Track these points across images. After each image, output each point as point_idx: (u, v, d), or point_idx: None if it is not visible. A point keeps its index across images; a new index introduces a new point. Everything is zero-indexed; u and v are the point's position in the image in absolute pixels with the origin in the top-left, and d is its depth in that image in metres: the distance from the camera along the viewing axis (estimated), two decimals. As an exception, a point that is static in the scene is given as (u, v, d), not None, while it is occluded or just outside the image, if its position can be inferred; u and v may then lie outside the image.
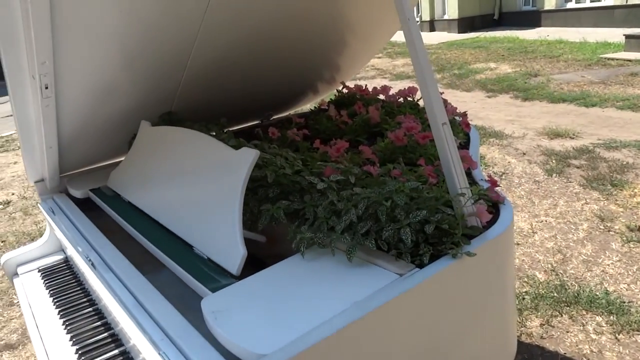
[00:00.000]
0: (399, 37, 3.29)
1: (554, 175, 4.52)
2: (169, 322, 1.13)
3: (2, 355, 2.70)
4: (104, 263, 1.48)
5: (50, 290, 1.85)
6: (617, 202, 3.89)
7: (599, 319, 2.67)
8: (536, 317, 2.73)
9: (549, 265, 3.19)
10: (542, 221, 3.77)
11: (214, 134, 2.04)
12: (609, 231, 3.52)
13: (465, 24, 15.74)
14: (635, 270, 3.05)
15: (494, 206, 1.31)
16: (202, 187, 1.44)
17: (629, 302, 2.77)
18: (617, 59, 8.64)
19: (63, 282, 1.90)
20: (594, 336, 2.55)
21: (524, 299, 2.86)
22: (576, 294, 2.87)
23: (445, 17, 16.96)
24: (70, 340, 1.51)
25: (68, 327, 1.58)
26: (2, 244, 4.16)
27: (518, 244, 3.49)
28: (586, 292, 2.89)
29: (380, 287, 1.03)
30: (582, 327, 2.62)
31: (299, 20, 2.12)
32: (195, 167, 1.52)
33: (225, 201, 1.30)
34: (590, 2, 13.08)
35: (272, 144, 1.94)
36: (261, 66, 2.31)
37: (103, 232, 1.71)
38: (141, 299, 1.23)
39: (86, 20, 1.40)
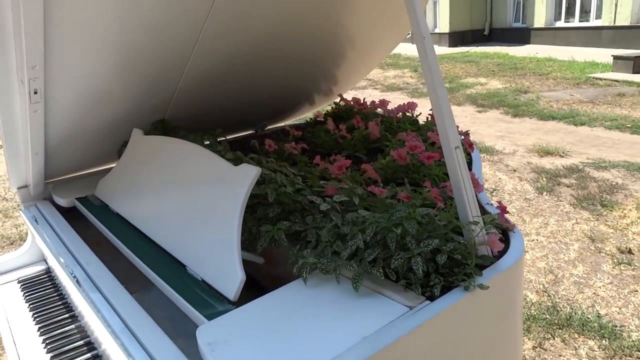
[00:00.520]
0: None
1: (545, 193, 4.52)
2: (159, 349, 1.05)
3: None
4: (89, 279, 1.40)
5: (30, 304, 1.75)
6: (607, 222, 3.89)
7: (591, 342, 2.64)
8: (528, 339, 2.69)
9: (541, 286, 3.17)
10: (533, 240, 3.75)
11: (208, 142, 1.97)
12: (599, 252, 3.52)
13: (456, 38, 15.90)
14: (626, 293, 3.03)
15: (503, 233, 1.26)
16: (198, 203, 1.36)
17: (621, 326, 2.74)
18: (605, 79, 8.77)
19: (44, 296, 1.80)
20: (587, 361, 2.52)
21: (516, 320, 2.83)
22: (568, 317, 2.84)
23: (437, 30, 17.11)
24: (51, 361, 1.42)
25: (48, 347, 1.48)
26: (-21, 247, 4.01)
27: (510, 263, 3.45)
28: (578, 314, 2.86)
29: (389, 321, 0.96)
30: (574, 351, 2.59)
31: (299, 32, 2.07)
32: (191, 181, 1.44)
33: (224, 220, 1.23)
34: (579, 21, 13.30)
35: (269, 157, 1.87)
36: (258, 76, 2.25)
37: (89, 245, 1.62)
38: (129, 323, 1.15)
39: (81, 23, 1.33)
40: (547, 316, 2.86)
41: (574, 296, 3.07)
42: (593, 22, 12.79)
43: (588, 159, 5.27)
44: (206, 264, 1.23)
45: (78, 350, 1.46)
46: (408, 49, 15.64)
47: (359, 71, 2.82)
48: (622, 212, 4.02)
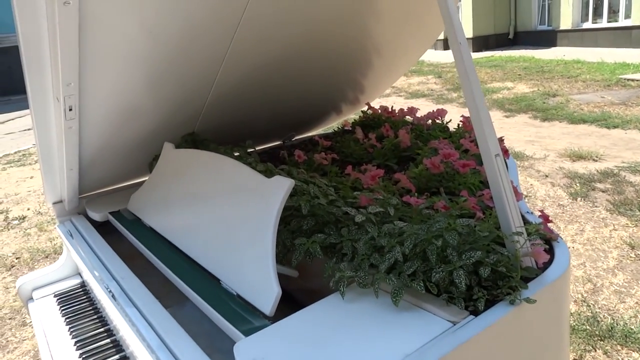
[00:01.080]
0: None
1: (579, 199, 4.38)
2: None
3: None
4: (124, 294, 1.40)
5: (66, 318, 1.77)
6: (647, 228, 3.74)
7: (635, 355, 2.53)
8: (569, 351, 2.59)
9: (579, 296, 3.06)
10: (569, 248, 3.63)
11: (238, 154, 1.98)
12: (640, 260, 3.38)
13: (480, 42, 15.71)
14: (671, 302, 2.90)
15: (547, 243, 1.21)
16: (231, 217, 1.36)
17: (667, 337, 2.62)
18: (637, 80, 8.51)
19: (79, 310, 1.82)
20: (632, 375, 2.41)
21: (555, 331, 2.73)
22: (610, 328, 2.73)
23: (460, 36, 16.90)
24: (88, 376, 1.43)
25: (85, 362, 1.49)
26: (16, 261, 4.11)
27: (545, 272, 3.35)
28: (620, 325, 2.74)
29: (432, 337, 0.93)
30: (618, 364, 2.48)
31: (325, 42, 2.06)
32: (223, 194, 1.44)
33: (258, 233, 1.22)
34: (607, 22, 12.99)
35: (299, 168, 1.86)
36: (286, 87, 2.25)
37: (123, 259, 1.63)
38: (166, 339, 1.15)
39: (114, 42, 1.34)
40: (587, 327, 2.76)
41: (615, 306, 2.95)
42: (622, 22, 12.47)
43: (623, 162, 5.10)
44: (241, 278, 1.22)
45: (114, 365, 1.47)
46: (432, 56, 15.55)
47: (386, 79, 2.80)
48: (662, 217, 3.87)
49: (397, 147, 2.03)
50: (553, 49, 14.06)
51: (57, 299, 1.92)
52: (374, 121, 2.48)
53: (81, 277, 2.06)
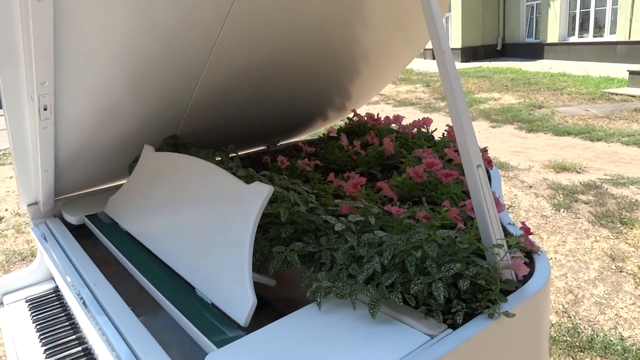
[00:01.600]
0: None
1: (562, 210, 4.42)
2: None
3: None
4: (96, 301, 1.36)
5: (37, 325, 1.71)
6: (628, 241, 3.78)
7: (615, 367, 2.54)
8: (550, 363, 2.59)
9: (561, 306, 3.06)
10: (551, 258, 3.65)
11: (220, 159, 1.94)
12: (620, 272, 3.41)
13: (468, 53, 15.88)
14: (651, 315, 2.92)
15: (527, 255, 1.20)
16: (208, 223, 1.32)
17: (646, 350, 2.63)
18: (620, 94, 8.65)
19: (51, 316, 1.77)
20: (611, 387, 2.41)
21: (536, 342, 2.73)
22: (590, 339, 2.74)
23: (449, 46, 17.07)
24: (55, 386, 1.38)
25: (53, 370, 1.44)
26: (-9, 263, 4.01)
27: (528, 283, 3.36)
28: (600, 336, 2.75)
29: (410, 351, 0.90)
30: (598, 377, 2.48)
31: (313, 47, 2.04)
32: (202, 199, 1.40)
33: (235, 241, 1.18)
34: (593, 37, 13.22)
35: (281, 174, 1.83)
36: (271, 91, 2.22)
37: (97, 264, 1.58)
38: (136, 349, 1.11)
39: (91, 40, 1.31)
40: (568, 338, 2.76)
41: (595, 317, 2.96)
42: (607, 37, 12.70)
43: (606, 175, 5.16)
44: (216, 286, 1.18)
45: (84, 375, 1.42)
46: (420, 64, 15.66)
47: (373, 86, 2.79)
48: (643, 230, 3.90)
49: (381, 155, 2.01)
50: (540, 61, 14.26)
51: (29, 305, 1.86)
52: (360, 128, 2.46)
53: (54, 282, 2.00)
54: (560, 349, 2.68)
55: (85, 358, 1.49)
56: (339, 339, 0.96)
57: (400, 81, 13.23)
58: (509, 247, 1.11)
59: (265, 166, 2.16)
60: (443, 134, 2.13)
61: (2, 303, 1.91)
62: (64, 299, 1.85)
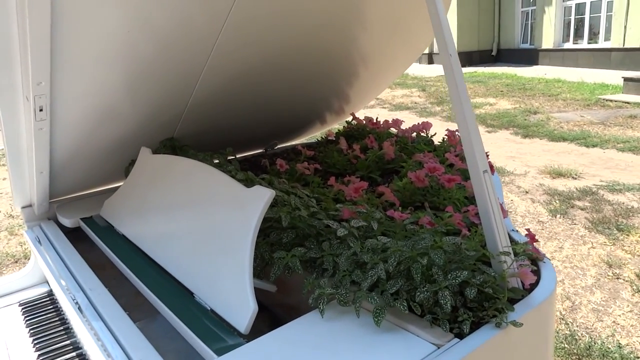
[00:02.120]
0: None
1: (558, 216, 4.42)
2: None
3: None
4: (91, 306, 1.33)
5: (30, 329, 1.67)
6: (625, 248, 3.78)
7: (613, 374, 2.52)
8: (548, 370, 2.57)
9: (558, 313, 3.05)
10: (548, 264, 3.63)
11: (218, 161, 1.92)
12: (617, 278, 3.40)
13: (464, 58, 15.93)
14: (648, 322, 2.91)
15: (533, 263, 1.18)
16: (208, 227, 1.30)
17: (645, 357, 2.62)
18: (615, 101, 8.70)
19: (45, 320, 1.73)
20: (610, 395, 2.40)
21: (534, 349, 2.71)
22: (588, 346, 2.72)
23: (444, 51, 17.13)
24: (49, 393, 1.34)
25: (47, 377, 1.41)
26: (-18, 265, 3.95)
27: (525, 288, 3.35)
28: (598, 344, 2.74)
29: (416, 361, 0.88)
30: (596, 384, 2.47)
31: (312, 50, 2.02)
32: (201, 202, 1.38)
33: (235, 246, 1.16)
34: (588, 43, 13.31)
35: (280, 178, 1.81)
36: (269, 94, 2.20)
37: (93, 268, 1.55)
38: (133, 356, 1.08)
39: (89, 39, 1.28)
40: (566, 345, 2.75)
41: (593, 324, 2.95)
42: (602, 43, 12.79)
43: (601, 181, 5.17)
44: (216, 292, 1.16)
45: (78, 382, 1.39)
46: (416, 69, 15.70)
47: (371, 90, 2.77)
48: (639, 237, 3.91)
49: (381, 159, 1.99)
50: (535, 67, 14.33)
51: (22, 308, 1.82)
52: (358, 132, 2.45)
53: (49, 285, 1.97)
54: (558, 356, 2.66)
55: (79, 364, 1.46)
56: (342, 348, 0.94)
57: (396, 85, 13.25)
58: (516, 254, 1.09)
59: (263, 169, 2.13)
60: (443, 138, 2.11)
61: (-5, 307, 1.87)
62: (58, 303, 1.81)
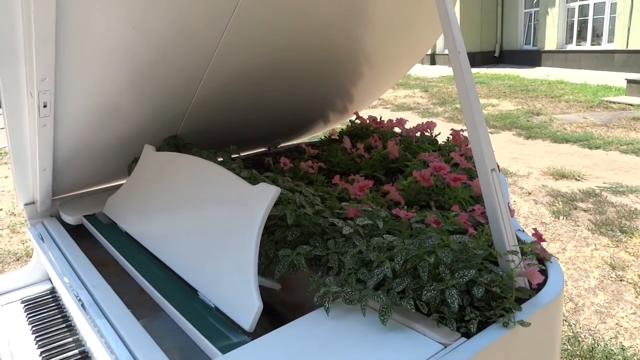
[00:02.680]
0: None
1: (561, 217, 4.40)
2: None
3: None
4: (95, 304, 1.32)
5: (33, 327, 1.67)
6: (628, 250, 3.76)
7: (616, 376, 2.51)
8: (551, 371, 2.56)
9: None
10: (551, 266, 3.62)
11: (222, 159, 1.91)
12: (621, 280, 3.39)
13: (466, 59, 15.87)
14: (652, 324, 2.90)
15: (540, 263, 1.17)
16: (212, 224, 1.29)
17: (648, 359, 2.61)
18: (619, 103, 8.68)
19: (47, 317, 1.72)
20: (613, 397, 2.39)
21: (537, 350, 2.70)
22: (591, 348, 2.71)
23: (446, 51, 17.14)
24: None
25: (49, 375, 1.40)
26: (-16, 263, 3.95)
27: (528, 290, 3.34)
28: (601, 346, 2.73)
29: (423, 360, 0.87)
30: (600, 386, 2.45)
31: (316, 49, 2.02)
32: (205, 200, 1.37)
33: (240, 243, 1.15)
34: (591, 45, 13.28)
35: (284, 176, 1.80)
36: (273, 93, 2.20)
37: (96, 265, 1.55)
38: (137, 354, 1.07)
39: (94, 36, 1.28)
40: (569, 347, 2.73)
41: (596, 326, 2.93)
42: (605, 45, 12.76)
43: (605, 183, 5.16)
44: (220, 290, 1.15)
45: (81, 379, 1.38)
46: (418, 70, 15.69)
47: (375, 90, 2.76)
48: (643, 239, 3.89)
49: (385, 158, 1.99)
50: (537, 68, 14.31)
51: (24, 306, 1.82)
52: (362, 131, 2.44)
53: (51, 282, 1.96)
54: (561, 357, 2.65)
55: (82, 361, 1.46)
56: (348, 346, 0.93)
57: (398, 86, 13.24)
58: (523, 254, 1.08)
59: (267, 168, 2.13)
60: (448, 137, 2.11)
61: (-3, 304, 1.87)
62: (60, 300, 1.80)
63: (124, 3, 1.23)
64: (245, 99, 2.13)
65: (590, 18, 13.37)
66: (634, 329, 2.87)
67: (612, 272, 3.47)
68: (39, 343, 1.56)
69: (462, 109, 1.04)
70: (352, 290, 1.04)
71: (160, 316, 1.33)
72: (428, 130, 2.28)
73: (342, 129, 2.69)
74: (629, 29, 11.61)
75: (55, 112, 1.45)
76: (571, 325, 2.93)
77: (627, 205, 4.53)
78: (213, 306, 1.15)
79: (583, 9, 13.59)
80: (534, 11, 15.07)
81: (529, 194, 5.03)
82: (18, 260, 4.01)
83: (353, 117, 2.66)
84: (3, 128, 1.53)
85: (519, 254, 1.03)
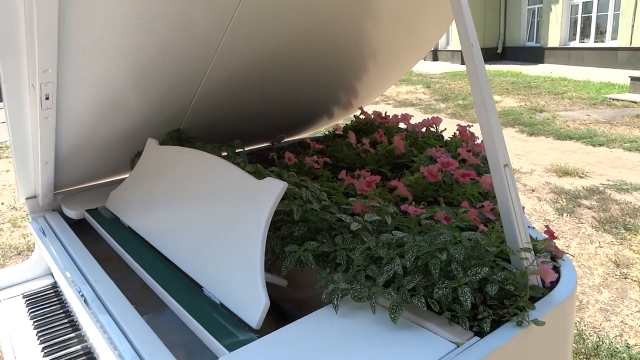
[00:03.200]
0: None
1: (565, 214, 4.37)
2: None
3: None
4: (97, 299, 1.30)
5: (35, 322, 1.65)
6: (632, 247, 3.74)
7: (622, 375, 2.49)
8: (555, 369, 2.54)
9: (566, 312, 3.01)
10: (555, 263, 3.60)
11: (226, 153, 1.89)
12: (625, 278, 3.36)
13: (469, 56, 15.81)
14: (657, 323, 2.88)
15: (552, 260, 1.14)
16: (217, 219, 1.26)
17: (653, 358, 2.59)
18: (622, 100, 8.63)
19: (49, 312, 1.71)
20: (619, 396, 2.37)
21: (541, 348, 2.68)
22: (595, 346, 2.69)
23: (449, 47, 17.11)
24: (53, 387, 1.32)
25: (52, 370, 1.38)
26: (-15, 257, 3.93)
27: (532, 287, 3.31)
28: (606, 344, 2.71)
29: (436, 359, 0.85)
30: (605, 385, 2.43)
31: (321, 44, 1.99)
32: (210, 195, 1.35)
33: (246, 238, 1.13)
34: (594, 42, 13.21)
35: (289, 171, 1.78)
36: (278, 87, 2.17)
37: (98, 260, 1.53)
38: (141, 350, 1.05)
39: (98, 27, 1.25)
40: (574, 345, 2.71)
41: (601, 324, 2.91)
42: (609, 42, 12.69)
43: (608, 180, 5.13)
44: (226, 286, 1.13)
45: (83, 375, 1.36)
46: (420, 66, 15.63)
47: (379, 85, 2.74)
48: (647, 236, 3.87)
49: (391, 153, 1.96)
50: (540, 65, 14.24)
51: (26, 301, 1.80)
52: (367, 126, 2.41)
53: (53, 277, 1.94)
54: (566, 355, 2.63)
55: (84, 357, 1.44)
56: (358, 344, 0.91)
57: (401, 82, 13.19)
58: (537, 251, 1.06)
59: (271, 163, 2.10)
60: (454, 133, 2.08)
61: (-2, 299, 1.85)
62: (62, 295, 1.79)
63: (127, -6, 1.20)
64: (249, 94, 2.10)
65: (594, 15, 13.29)
66: (638, 327, 2.85)
67: (617, 269, 3.45)
68: (41, 338, 1.55)
69: (474, 103, 1.02)
70: (362, 287, 1.01)
71: (164, 312, 1.31)
72: (434, 125, 2.25)
73: (346, 124, 2.66)
74: (632, 26, 11.54)
75: (57, 105, 1.42)
76: (576, 324, 2.91)
77: (631, 202, 4.50)
78: (218, 302, 1.13)
79: (587, 6, 13.52)
80: (537, 8, 15.00)
81: (532, 190, 5.00)
82: (19, 254, 3.99)
83: (357, 113, 2.63)
84: (4, 122, 1.51)
85: (532, 252, 1.01)
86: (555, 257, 1.15)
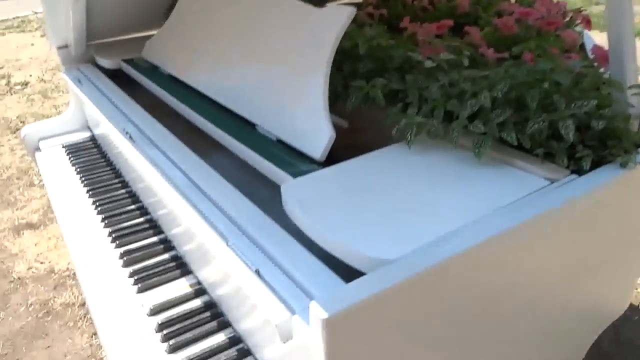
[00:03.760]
0: None
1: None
2: (234, 208, 0.89)
3: (23, 234, 2.55)
4: (145, 136, 1.23)
5: (77, 168, 1.62)
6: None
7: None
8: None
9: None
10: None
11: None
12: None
13: None
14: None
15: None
16: (272, 52, 1.14)
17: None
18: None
19: (90, 161, 1.67)
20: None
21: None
22: None
23: None
24: (102, 221, 1.30)
25: (99, 208, 1.36)
26: (20, 124, 3.95)
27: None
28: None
29: (528, 193, 0.76)
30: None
31: None
32: (262, 30, 1.21)
33: (308, 68, 1.01)
34: None
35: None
36: None
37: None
38: (195, 178, 0.99)
39: None
40: None
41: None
42: None
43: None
44: (285, 120, 1.03)
45: (131, 214, 1.34)
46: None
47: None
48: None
49: (453, 12, 1.75)
50: None
51: (66, 150, 1.77)
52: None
53: (90, 131, 1.89)
54: None
55: (130, 199, 1.41)
56: (437, 181, 0.82)
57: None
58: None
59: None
60: (525, -7, 1.84)
61: (39, 148, 1.82)
62: (103, 146, 1.74)
63: None
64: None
65: None
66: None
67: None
68: (85, 181, 1.52)
69: None
70: (439, 122, 0.91)
71: (213, 153, 1.23)
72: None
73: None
74: None
75: None
76: None
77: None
78: (275, 139, 1.05)
79: None
80: None
81: None
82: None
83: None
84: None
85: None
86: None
